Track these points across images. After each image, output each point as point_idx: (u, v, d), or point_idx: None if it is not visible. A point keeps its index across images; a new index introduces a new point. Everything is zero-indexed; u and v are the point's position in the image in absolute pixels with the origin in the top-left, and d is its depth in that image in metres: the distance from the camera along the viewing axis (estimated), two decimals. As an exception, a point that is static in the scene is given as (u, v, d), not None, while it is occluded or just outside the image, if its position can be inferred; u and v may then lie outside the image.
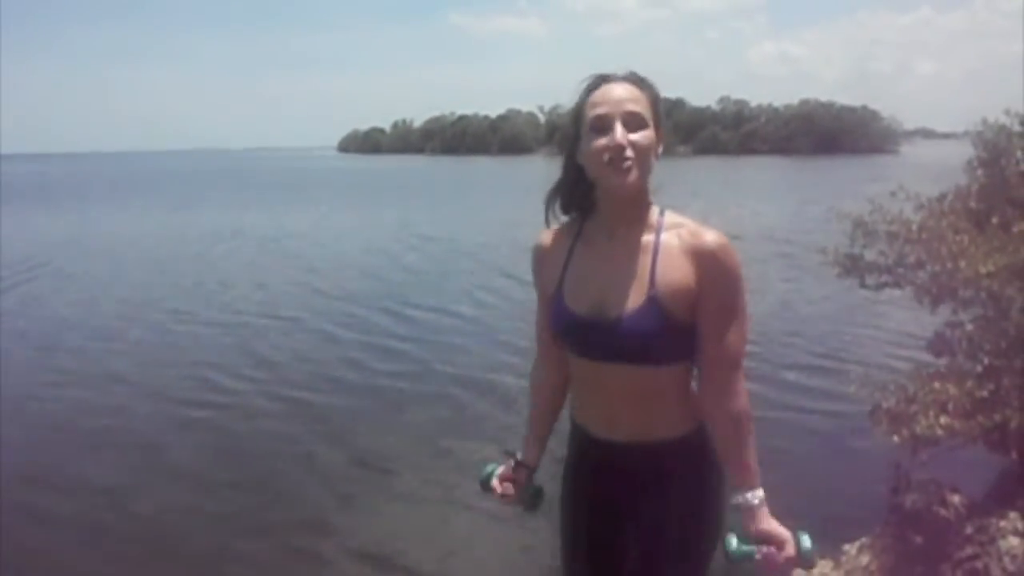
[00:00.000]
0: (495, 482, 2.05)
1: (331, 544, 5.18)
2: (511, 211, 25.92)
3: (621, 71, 1.82)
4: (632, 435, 1.86)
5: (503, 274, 14.89)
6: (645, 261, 1.78)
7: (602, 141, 1.72)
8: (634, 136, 1.72)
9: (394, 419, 7.40)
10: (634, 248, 1.79)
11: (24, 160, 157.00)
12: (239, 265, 17.11)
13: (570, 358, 1.92)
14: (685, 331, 1.76)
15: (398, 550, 5.07)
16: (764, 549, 1.70)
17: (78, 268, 16.55)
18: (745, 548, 1.72)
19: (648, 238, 1.80)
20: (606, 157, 1.72)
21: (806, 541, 1.70)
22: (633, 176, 1.73)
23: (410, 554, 5.02)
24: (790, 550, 1.69)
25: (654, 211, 1.83)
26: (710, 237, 1.75)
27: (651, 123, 1.75)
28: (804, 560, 1.70)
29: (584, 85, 1.81)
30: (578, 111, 1.80)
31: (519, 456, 2.06)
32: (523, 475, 2.04)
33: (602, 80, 1.78)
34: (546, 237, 1.97)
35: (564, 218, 1.95)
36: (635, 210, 1.81)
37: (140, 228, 24.77)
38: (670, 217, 1.82)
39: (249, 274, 15.77)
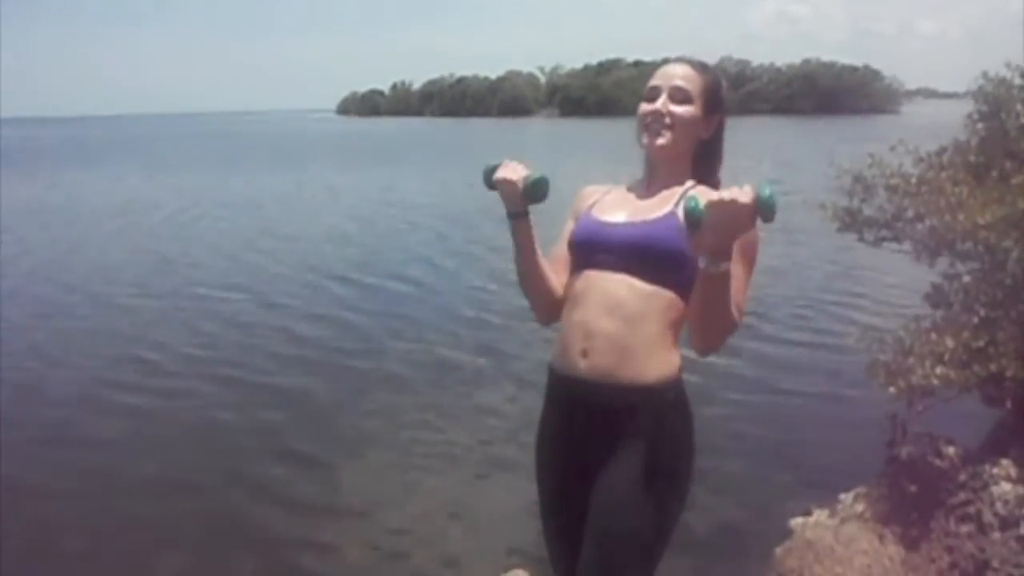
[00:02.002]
0: (504, 166, 1.97)
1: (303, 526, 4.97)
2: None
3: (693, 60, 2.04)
4: (604, 368, 1.85)
5: (471, 241, 14.70)
6: (674, 195, 1.95)
7: (646, 106, 1.98)
8: (675, 107, 1.94)
9: (346, 396, 7.06)
10: (667, 190, 1.98)
11: (13, 124, 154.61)
12: (207, 232, 16.53)
13: (570, 280, 2.00)
14: (691, 261, 1.75)
15: (375, 527, 4.96)
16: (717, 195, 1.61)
17: (40, 238, 15.76)
18: (702, 201, 1.61)
19: (679, 189, 1.97)
20: (646, 120, 1.97)
21: (766, 186, 1.59)
22: (664, 139, 1.95)
23: (381, 528, 4.91)
24: (748, 193, 1.59)
25: (691, 181, 2.00)
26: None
27: (699, 102, 1.96)
28: (762, 204, 1.58)
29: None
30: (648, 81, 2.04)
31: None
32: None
33: (666, 62, 2.04)
34: (589, 188, 2.16)
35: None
36: (672, 175, 1.99)
37: (113, 194, 24.04)
38: (701, 186, 1.97)
39: (216, 242, 15.15)
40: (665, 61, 2.05)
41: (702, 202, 1.61)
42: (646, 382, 1.84)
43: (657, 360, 1.85)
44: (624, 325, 1.85)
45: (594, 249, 1.95)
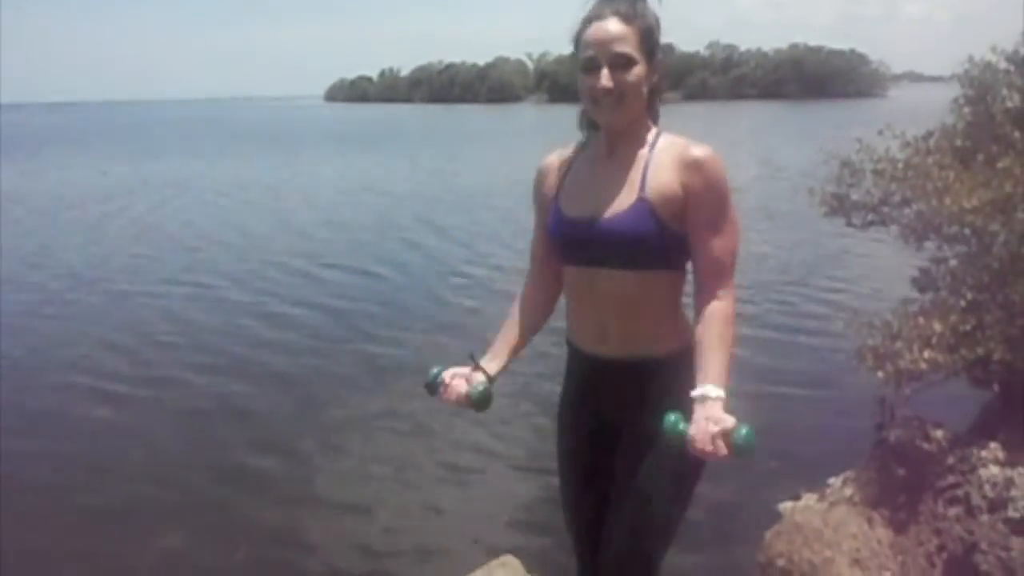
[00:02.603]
0: (446, 375, 1.99)
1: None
2: (473, 162, 25.89)
3: None
4: (619, 349, 1.92)
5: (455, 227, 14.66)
6: (637, 170, 1.88)
7: (590, 81, 1.85)
8: (620, 76, 1.82)
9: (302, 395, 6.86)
10: (629, 162, 1.90)
11: (5, 110, 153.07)
12: (171, 222, 16.26)
13: (565, 270, 2.00)
14: (674, 238, 1.85)
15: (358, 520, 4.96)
16: (698, 426, 1.65)
17: (8, 228, 15.41)
18: (681, 426, 1.66)
19: (643, 152, 1.91)
20: (595, 97, 1.85)
21: (743, 429, 1.62)
22: (617, 113, 1.86)
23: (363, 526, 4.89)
24: (726, 425, 1.63)
25: (652, 130, 1.95)
26: (698, 149, 1.85)
27: (641, 57, 1.84)
28: (736, 446, 1.61)
29: (582, 14, 1.89)
30: (575, 40, 1.91)
31: (480, 361, 2.02)
32: (477, 377, 1.98)
33: (594, 16, 1.86)
34: (551, 158, 2.08)
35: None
36: (632, 132, 1.92)
37: (84, 182, 23.87)
38: (666, 137, 1.93)
39: (179, 232, 14.93)
40: (597, 15, 1.86)
41: (681, 425, 1.67)
42: (659, 355, 1.92)
43: (667, 334, 1.92)
44: (629, 315, 1.90)
45: (572, 247, 1.94)
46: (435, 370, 2.02)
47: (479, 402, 1.94)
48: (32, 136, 53.88)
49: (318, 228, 15.22)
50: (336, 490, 5.25)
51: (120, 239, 14.27)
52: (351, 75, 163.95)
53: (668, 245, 1.85)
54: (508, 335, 2.07)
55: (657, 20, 1.89)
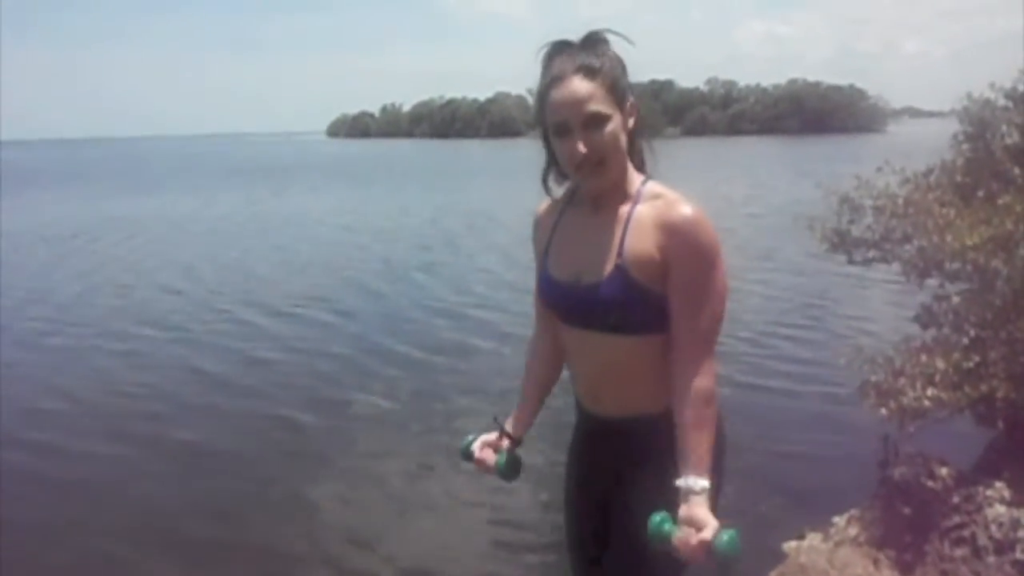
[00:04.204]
0: (476, 446, 2.06)
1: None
2: (466, 195, 25.89)
3: (576, 39, 1.80)
4: (614, 409, 1.91)
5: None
6: (618, 230, 1.80)
7: (566, 148, 1.77)
8: (595, 137, 1.74)
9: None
10: (612, 218, 1.82)
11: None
12: (126, 260, 15.87)
13: (559, 328, 1.98)
14: (657, 301, 1.77)
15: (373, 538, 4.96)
16: (681, 533, 1.63)
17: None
18: (667, 527, 1.64)
19: (626, 208, 1.82)
20: (574, 163, 1.77)
21: (725, 536, 1.59)
22: (601, 178, 1.79)
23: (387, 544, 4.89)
24: (706, 535, 1.60)
25: (637, 181, 1.85)
26: (682, 210, 1.75)
27: (612, 109, 1.75)
28: (717, 553, 1.58)
29: (546, 65, 1.81)
30: (540, 99, 1.82)
31: (505, 427, 2.07)
32: (504, 444, 2.04)
33: (557, 77, 1.76)
34: (543, 208, 2.04)
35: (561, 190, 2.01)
36: (616, 191, 1.84)
37: (62, 218, 23.58)
38: (651, 188, 1.84)
39: (156, 272, 14.32)
40: (558, 78, 1.76)
41: (667, 527, 1.64)
42: (653, 413, 1.85)
43: (662, 392, 1.81)
44: (619, 378, 1.87)
45: (559, 309, 1.93)
46: (469, 439, 2.09)
47: (506, 473, 2.02)
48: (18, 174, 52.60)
49: (293, 267, 14.96)
50: (331, 533, 5.17)
51: (97, 276, 14.00)
52: (353, 111, 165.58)
53: (652, 308, 1.77)
54: (527, 399, 2.10)
55: (621, 62, 1.80)
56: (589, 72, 1.74)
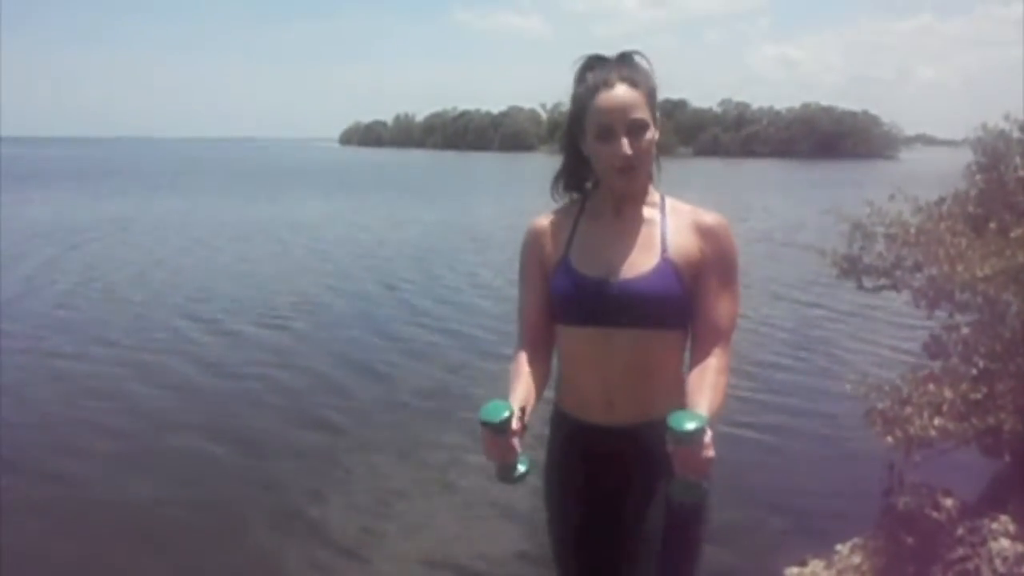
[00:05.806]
0: (516, 423, 1.72)
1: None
2: (464, 211, 26.03)
3: (614, 55, 1.93)
4: (629, 415, 1.91)
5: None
6: (654, 231, 1.93)
7: (608, 150, 1.86)
8: (637, 143, 1.85)
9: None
10: (641, 221, 1.95)
11: (15, 143, 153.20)
12: (111, 261, 15.82)
13: (567, 334, 1.95)
14: (688, 298, 1.90)
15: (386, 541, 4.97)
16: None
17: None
18: (695, 424, 1.59)
19: (653, 212, 1.96)
20: (614, 165, 1.87)
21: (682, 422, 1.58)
22: (634, 180, 1.91)
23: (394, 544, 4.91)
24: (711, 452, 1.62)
25: (654, 192, 1.99)
26: (712, 216, 1.94)
27: (651, 120, 1.88)
28: (672, 433, 1.58)
29: (584, 75, 1.91)
30: (581, 104, 1.90)
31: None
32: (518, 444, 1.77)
33: (602, 83, 1.86)
34: (543, 220, 2.05)
35: (563, 199, 2.07)
36: (641, 194, 1.96)
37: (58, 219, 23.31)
38: (671, 201, 1.99)
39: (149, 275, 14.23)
40: (606, 82, 1.85)
41: (686, 424, 1.59)
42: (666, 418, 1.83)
43: (676, 392, 1.86)
44: (645, 378, 1.90)
45: (585, 306, 1.90)
46: (505, 415, 1.69)
47: (519, 479, 1.76)
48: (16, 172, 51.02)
49: (322, 267, 15.19)
50: (331, 534, 5.15)
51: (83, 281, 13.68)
52: (366, 119, 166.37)
53: (683, 304, 1.89)
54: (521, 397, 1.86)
55: (654, 75, 1.93)
56: (633, 82, 1.87)
